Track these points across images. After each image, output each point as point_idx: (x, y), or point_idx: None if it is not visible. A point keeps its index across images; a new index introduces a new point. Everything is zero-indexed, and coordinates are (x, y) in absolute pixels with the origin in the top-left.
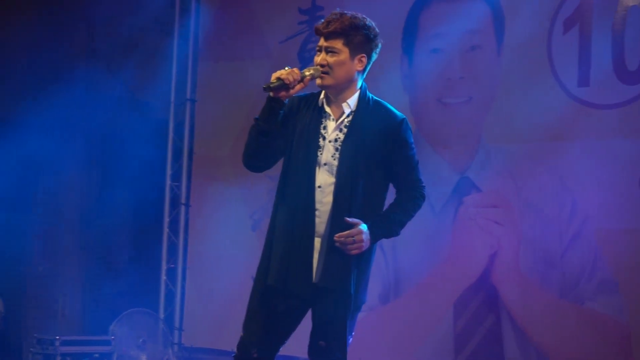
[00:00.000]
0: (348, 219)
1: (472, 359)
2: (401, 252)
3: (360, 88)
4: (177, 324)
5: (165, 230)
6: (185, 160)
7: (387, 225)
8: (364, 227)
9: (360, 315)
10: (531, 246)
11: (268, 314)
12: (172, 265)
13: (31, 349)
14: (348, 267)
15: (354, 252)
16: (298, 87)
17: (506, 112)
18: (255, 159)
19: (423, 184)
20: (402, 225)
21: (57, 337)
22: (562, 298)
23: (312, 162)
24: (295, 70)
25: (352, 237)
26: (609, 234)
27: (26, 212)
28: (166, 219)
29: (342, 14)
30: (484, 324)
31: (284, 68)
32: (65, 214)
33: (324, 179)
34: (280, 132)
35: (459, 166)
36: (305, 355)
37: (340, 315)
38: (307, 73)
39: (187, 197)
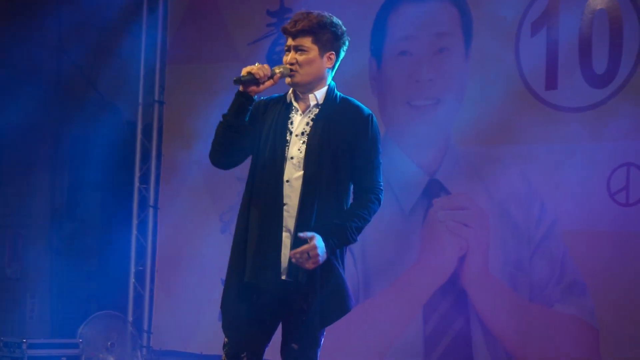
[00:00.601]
0: (301, 234)
1: None
2: (371, 253)
3: (329, 85)
4: (145, 327)
5: (134, 232)
6: (153, 162)
7: (342, 234)
8: (318, 241)
9: None
10: (500, 248)
11: (249, 314)
12: (141, 268)
13: None
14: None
15: (311, 267)
16: (268, 83)
17: (475, 114)
18: (223, 155)
19: (381, 187)
20: (359, 231)
21: (24, 340)
22: (531, 300)
23: (280, 157)
24: (266, 66)
25: (307, 252)
26: (577, 236)
27: None
28: (134, 221)
29: (308, 13)
30: (454, 326)
31: (254, 64)
32: (34, 215)
33: (291, 173)
34: (248, 130)
35: (428, 168)
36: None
37: (310, 316)
38: (277, 70)
39: (156, 200)
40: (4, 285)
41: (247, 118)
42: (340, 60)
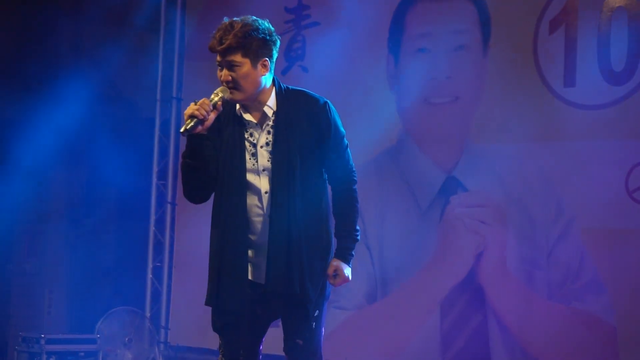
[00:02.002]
0: (329, 273)
1: (459, 358)
2: (388, 251)
3: (274, 84)
4: (163, 323)
5: (152, 228)
6: (171, 158)
7: (353, 242)
8: (346, 269)
9: (347, 315)
10: (517, 246)
11: (247, 317)
12: (158, 264)
13: (16, 347)
14: (293, 268)
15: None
16: (212, 115)
17: (492, 112)
18: (194, 193)
19: (354, 169)
20: (356, 226)
21: (43, 336)
22: (548, 298)
23: (243, 173)
24: (205, 101)
25: (341, 278)
26: (595, 234)
27: (12, 210)
28: (152, 217)
29: (232, 25)
30: (471, 323)
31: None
32: (52, 212)
33: (267, 184)
34: (211, 162)
35: (446, 166)
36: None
37: (307, 308)
38: (216, 99)
39: (174, 196)
40: (23, 280)
41: (205, 153)
42: (275, 59)
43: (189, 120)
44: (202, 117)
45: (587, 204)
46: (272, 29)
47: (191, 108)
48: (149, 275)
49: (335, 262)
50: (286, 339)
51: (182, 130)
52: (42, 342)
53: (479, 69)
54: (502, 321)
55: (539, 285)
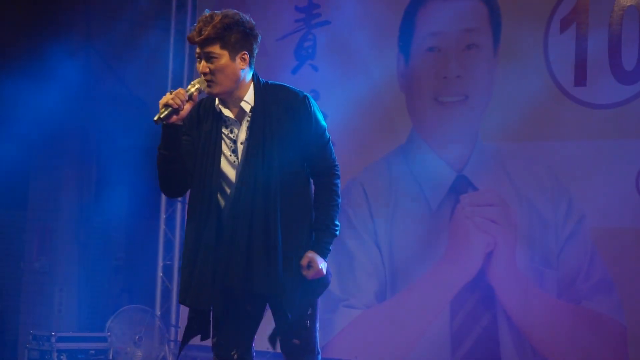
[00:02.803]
0: (303, 265)
1: (469, 357)
2: (398, 250)
3: (253, 79)
4: (173, 321)
5: (162, 226)
6: None
7: (331, 236)
8: (322, 263)
9: (357, 313)
10: (528, 245)
11: (235, 314)
12: (169, 262)
13: (27, 345)
14: (255, 265)
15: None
16: (188, 105)
17: (503, 110)
18: (169, 186)
19: (336, 163)
20: (335, 220)
21: (53, 333)
22: (558, 297)
23: (219, 169)
24: (180, 90)
25: (314, 270)
26: (605, 232)
27: (23, 208)
28: (162, 216)
29: (212, 17)
30: (481, 322)
31: (169, 92)
32: (62, 210)
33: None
34: (186, 151)
35: (456, 164)
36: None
37: (295, 307)
38: (192, 89)
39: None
40: (33, 279)
41: (180, 145)
42: (255, 54)
43: (163, 109)
44: (177, 107)
45: (597, 203)
46: (254, 23)
47: (166, 97)
48: (159, 274)
49: (311, 254)
50: (282, 340)
51: (155, 118)
52: (53, 340)
53: (489, 68)
54: (512, 320)
55: (549, 284)
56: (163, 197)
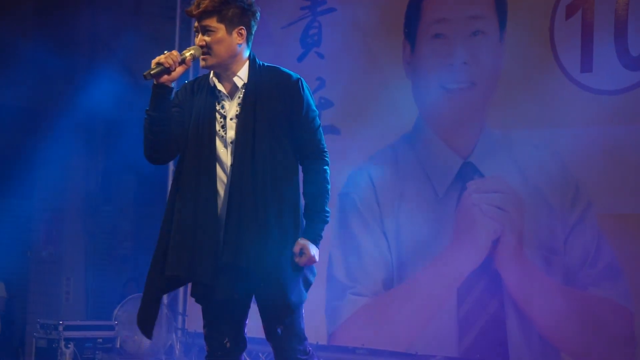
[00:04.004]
0: (296, 252)
1: (476, 344)
2: (404, 237)
3: (249, 58)
4: (180, 309)
5: None
6: None
7: (322, 222)
8: (313, 249)
9: (364, 301)
10: (534, 231)
11: (223, 303)
12: None
13: (35, 334)
14: (246, 243)
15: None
16: (180, 69)
17: (509, 97)
18: (154, 150)
19: (325, 150)
20: (325, 207)
21: (61, 322)
22: (565, 284)
23: (212, 143)
24: (174, 52)
25: (307, 257)
26: (612, 219)
27: (30, 197)
28: None
29: None
30: (488, 309)
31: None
32: (69, 199)
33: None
34: (175, 119)
35: (462, 151)
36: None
37: (280, 292)
38: (187, 54)
39: None
40: (40, 267)
41: (169, 108)
42: (254, 31)
43: (155, 66)
44: (168, 66)
45: (604, 189)
46: (253, 0)
47: (160, 57)
48: None
49: (302, 241)
50: (266, 327)
51: (145, 73)
52: (60, 328)
53: (495, 55)
54: (519, 307)
55: (556, 270)
56: (169, 186)
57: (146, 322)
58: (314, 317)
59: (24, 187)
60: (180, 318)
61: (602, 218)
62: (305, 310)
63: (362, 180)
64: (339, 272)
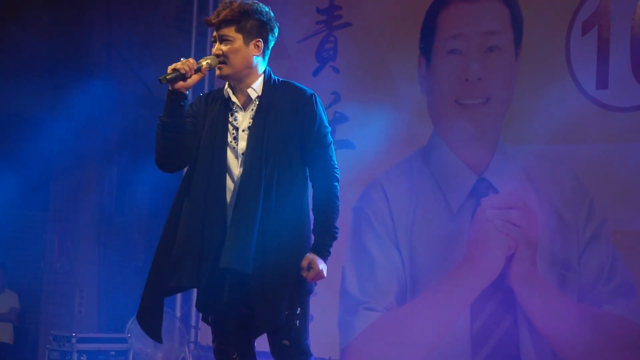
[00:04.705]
0: (303, 266)
1: None
2: (418, 252)
3: (264, 72)
4: (193, 322)
5: None
6: None
7: (331, 238)
8: (321, 264)
9: (377, 316)
10: (548, 248)
11: (231, 317)
12: None
13: (47, 346)
14: (249, 250)
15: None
16: (195, 76)
17: (524, 113)
18: (166, 157)
19: (336, 166)
20: (334, 223)
21: (74, 334)
22: (579, 300)
23: (223, 153)
24: (191, 59)
25: (315, 272)
26: (626, 236)
27: (44, 208)
28: None
29: (231, 2)
30: (501, 325)
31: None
32: (83, 210)
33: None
34: (187, 128)
35: (477, 167)
36: None
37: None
38: (203, 62)
39: None
40: (53, 279)
41: (182, 115)
42: (270, 46)
43: (171, 72)
44: (184, 72)
45: (619, 205)
46: (272, 15)
47: (177, 63)
48: None
49: (311, 256)
50: (271, 340)
51: (160, 77)
52: (73, 340)
53: (510, 71)
54: (533, 324)
55: (570, 287)
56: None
57: (149, 322)
58: (327, 332)
59: (37, 198)
60: (193, 331)
61: (617, 235)
62: (317, 324)
63: (376, 195)
64: (352, 286)
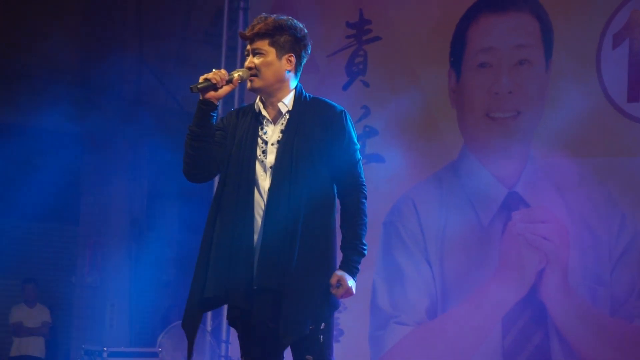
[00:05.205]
0: (332, 283)
1: None
2: (449, 266)
3: (295, 88)
4: (224, 337)
5: None
6: None
7: (360, 255)
8: (350, 281)
9: (408, 330)
10: (580, 262)
11: (259, 333)
12: None
13: None
14: (279, 268)
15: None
16: (227, 88)
17: (554, 127)
18: (193, 167)
19: (364, 183)
20: (362, 239)
21: (105, 349)
22: (611, 315)
23: (251, 166)
24: (223, 70)
25: (344, 289)
26: None
27: (75, 223)
28: None
29: (266, 17)
30: (532, 340)
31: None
32: (113, 225)
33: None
34: (216, 140)
35: (507, 181)
36: None
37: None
38: (235, 74)
39: None
40: (84, 293)
41: (211, 125)
42: (303, 62)
43: (202, 81)
44: (215, 83)
45: None
46: (306, 32)
47: (208, 74)
48: None
49: (340, 273)
50: (295, 354)
51: (192, 86)
52: (105, 355)
53: (541, 84)
54: (564, 338)
55: (602, 302)
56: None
57: (190, 326)
58: (358, 346)
59: (68, 212)
60: (223, 345)
61: None
62: (348, 339)
63: (406, 209)
64: (383, 301)
